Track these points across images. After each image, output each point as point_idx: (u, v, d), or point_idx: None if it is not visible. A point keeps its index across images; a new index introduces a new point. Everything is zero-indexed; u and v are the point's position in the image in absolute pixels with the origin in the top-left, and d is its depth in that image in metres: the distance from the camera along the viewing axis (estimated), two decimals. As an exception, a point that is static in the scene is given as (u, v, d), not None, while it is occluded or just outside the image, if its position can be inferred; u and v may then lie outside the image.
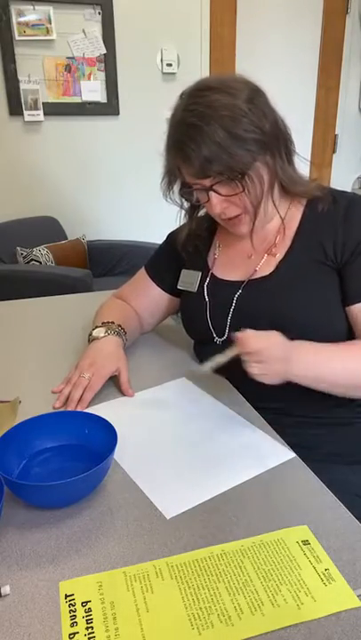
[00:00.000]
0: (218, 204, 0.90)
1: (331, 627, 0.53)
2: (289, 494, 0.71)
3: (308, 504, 0.69)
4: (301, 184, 0.95)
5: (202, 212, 1.06)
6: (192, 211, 1.05)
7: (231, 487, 0.72)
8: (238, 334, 0.81)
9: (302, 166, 0.97)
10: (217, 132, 0.83)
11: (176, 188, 0.97)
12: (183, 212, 1.06)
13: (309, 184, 0.96)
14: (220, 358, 0.85)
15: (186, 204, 1.03)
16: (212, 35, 3.07)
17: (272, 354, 0.81)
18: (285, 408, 0.95)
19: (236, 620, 0.54)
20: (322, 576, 0.58)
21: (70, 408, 0.91)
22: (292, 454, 0.79)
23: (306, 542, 0.63)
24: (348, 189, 3.69)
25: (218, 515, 0.68)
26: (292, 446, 0.82)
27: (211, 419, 0.89)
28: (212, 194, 0.89)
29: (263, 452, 0.80)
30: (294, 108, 0.90)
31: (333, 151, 3.60)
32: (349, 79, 3.48)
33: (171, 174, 0.96)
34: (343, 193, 0.96)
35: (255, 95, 0.87)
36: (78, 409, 0.91)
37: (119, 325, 1.08)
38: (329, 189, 0.96)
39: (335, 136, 3.57)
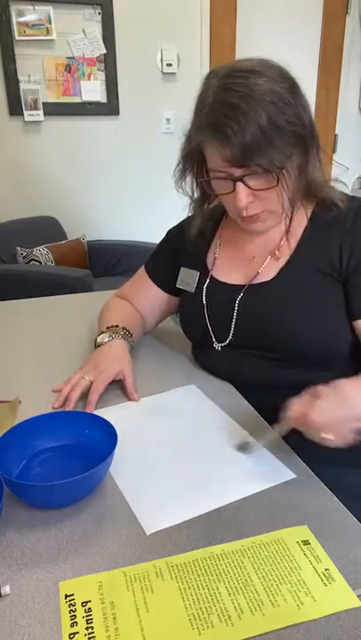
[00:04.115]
0: (245, 197, 0.84)
1: (331, 627, 0.53)
2: (289, 494, 0.71)
3: (308, 504, 0.69)
4: (326, 187, 0.90)
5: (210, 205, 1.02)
6: (202, 202, 1.00)
7: (222, 505, 0.69)
8: (292, 413, 0.72)
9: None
10: (262, 117, 0.77)
11: (189, 176, 0.93)
12: (190, 205, 1.01)
13: (332, 186, 0.91)
14: (273, 435, 0.77)
15: (197, 195, 0.98)
16: (212, 35, 3.07)
17: (336, 415, 0.69)
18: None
19: (236, 620, 0.54)
20: (322, 576, 0.58)
21: (68, 408, 0.91)
22: (293, 475, 0.75)
23: (306, 542, 0.63)
24: (349, 189, 3.69)
25: (218, 515, 0.68)
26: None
27: (216, 431, 0.86)
28: (239, 185, 0.83)
29: (263, 471, 0.76)
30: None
31: (333, 151, 3.60)
32: (349, 79, 3.48)
33: (190, 159, 0.91)
34: (354, 198, 0.93)
35: (296, 86, 0.83)
36: (87, 411, 0.90)
37: (124, 328, 1.06)
38: (341, 192, 0.93)
39: (335, 136, 3.57)
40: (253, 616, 0.54)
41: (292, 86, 0.83)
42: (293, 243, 0.93)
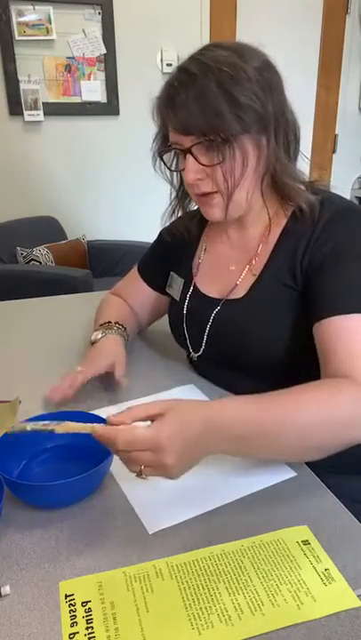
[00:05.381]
0: (193, 171, 0.81)
1: (331, 627, 0.53)
2: (289, 494, 0.71)
3: (308, 504, 0.69)
4: (295, 184, 0.84)
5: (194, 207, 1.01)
6: (183, 192, 0.98)
7: (222, 505, 0.69)
8: (114, 418, 0.64)
9: (303, 168, 0.95)
10: (211, 85, 0.74)
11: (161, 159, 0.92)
12: (172, 199, 0.99)
13: (304, 190, 0.85)
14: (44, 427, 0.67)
15: (176, 181, 0.96)
16: (213, 35, 3.07)
17: (175, 450, 0.60)
18: None
19: (236, 620, 0.54)
20: (322, 576, 0.58)
21: (56, 396, 0.91)
22: (293, 473, 0.75)
23: (306, 542, 0.63)
24: (348, 189, 3.69)
25: (218, 515, 0.68)
26: None
27: None
28: (188, 158, 0.80)
29: (263, 469, 0.76)
30: (294, 108, 0.88)
31: (333, 151, 3.60)
32: (349, 79, 3.47)
33: (160, 130, 0.89)
34: (334, 202, 0.85)
35: (268, 69, 0.79)
36: (69, 392, 0.91)
37: (117, 323, 1.08)
38: (323, 194, 0.86)
39: (335, 136, 3.57)
40: (253, 616, 0.54)
41: (264, 68, 0.79)
42: (268, 252, 0.90)
